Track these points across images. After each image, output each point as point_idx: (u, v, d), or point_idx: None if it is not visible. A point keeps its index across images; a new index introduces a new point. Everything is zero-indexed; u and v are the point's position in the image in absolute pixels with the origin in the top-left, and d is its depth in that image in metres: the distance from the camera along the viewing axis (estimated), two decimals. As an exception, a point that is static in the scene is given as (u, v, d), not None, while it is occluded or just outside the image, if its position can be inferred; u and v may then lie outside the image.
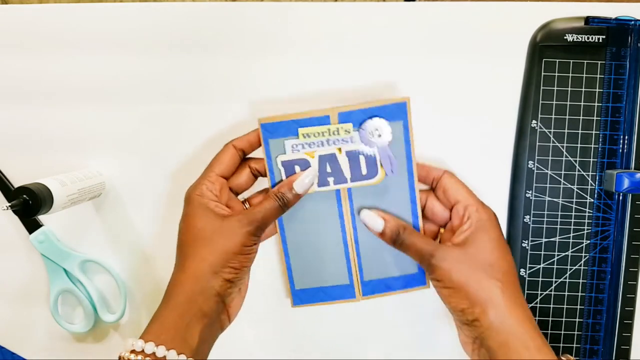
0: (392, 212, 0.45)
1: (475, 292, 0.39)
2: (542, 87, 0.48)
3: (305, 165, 0.43)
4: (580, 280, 0.49)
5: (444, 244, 0.41)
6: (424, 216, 0.45)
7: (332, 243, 0.46)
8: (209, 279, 0.39)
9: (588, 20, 0.47)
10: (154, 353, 0.36)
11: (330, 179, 0.44)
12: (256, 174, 0.45)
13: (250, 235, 0.40)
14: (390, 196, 0.45)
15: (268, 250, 0.50)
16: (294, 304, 0.48)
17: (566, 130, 0.48)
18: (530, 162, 0.48)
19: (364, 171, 0.44)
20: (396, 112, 0.43)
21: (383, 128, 0.43)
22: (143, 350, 0.36)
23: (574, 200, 0.48)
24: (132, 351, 0.36)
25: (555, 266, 0.49)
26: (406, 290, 0.47)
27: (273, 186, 0.44)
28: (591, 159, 0.48)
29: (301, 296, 0.47)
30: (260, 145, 0.44)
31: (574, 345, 0.50)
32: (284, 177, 0.44)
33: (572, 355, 0.50)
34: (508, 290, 0.39)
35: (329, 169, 0.44)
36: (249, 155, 0.45)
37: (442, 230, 0.45)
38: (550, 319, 0.49)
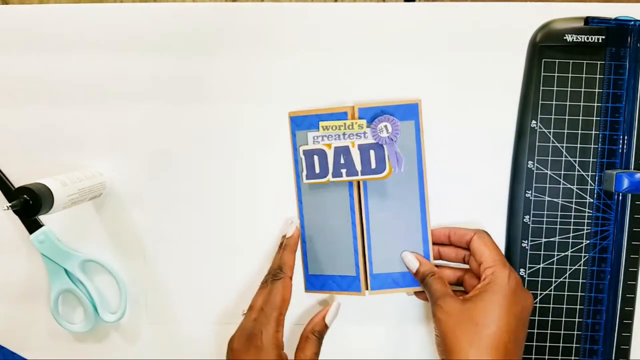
0: (402, 208, 0.48)
1: (451, 345, 0.41)
2: (541, 88, 0.48)
3: (322, 155, 0.47)
4: (580, 280, 0.49)
5: (451, 296, 0.44)
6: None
7: (342, 234, 0.48)
8: None
9: (588, 20, 0.47)
10: None
11: (343, 171, 0.47)
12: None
13: None
14: (401, 193, 0.48)
15: (275, 249, 0.51)
16: (306, 288, 0.50)
17: (566, 131, 0.48)
18: (530, 162, 0.48)
19: (373, 165, 0.46)
20: (408, 112, 0.47)
21: (391, 126, 0.45)
22: None
23: (574, 200, 0.49)
24: None
25: (554, 266, 0.49)
26: (410, 289, 0.49)
27: (297, 174, 0.49)
28: (591, 159, 0.48)
29: (313, 282, 0.50)
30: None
31: (574, 345, 0.50)
32: (304, 166, 0.47)
33: (572, 355, 0.50)
34: (484, 352, 0.40)
35: (342, 161, 0.46)
36: None
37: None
38: (550, 318, 0.49)
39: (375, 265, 0.48)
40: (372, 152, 0.46)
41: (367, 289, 0.49)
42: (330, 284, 0.49)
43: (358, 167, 0.46)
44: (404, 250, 0.48)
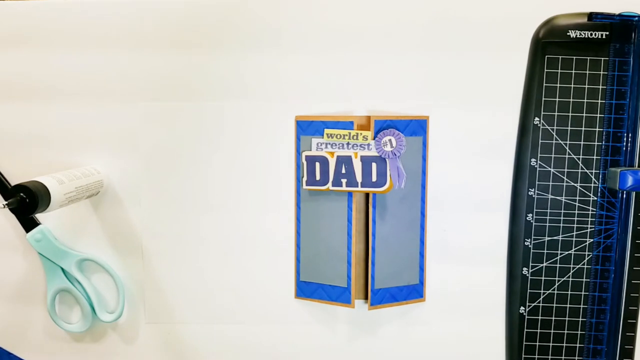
0: (405, 224, 0.48)
1: None
2: (544, 84, 0.47)
3: (324, 162, 0.46)
4: (584, 279, 0.49)
5: None
6: None
7: (337, 244, 0.48)
8: None
9: (591, 16, 0.46)
10: None
11: (344, 181, 0.46)
12: None
13: None
14: (406, 209, 0.48)
15: (272, 251, 0.50)
16: (296, 295, 0.50)
17: (569, 128, 0.48)
18: (533, 159, 0.48)
19: (374, 178, 0.46)
20: (416, 128, 0.47)
21: (396, 140, 0.45)
22: None
23: (577, 198, 0.48)
24: None
25: (558, 265, 0.49)
26: (406, 302, 0.49)
27: (298, 179, 0.48)
28: (594, 157, 0.48)
29: (304, 289, 0.50)
30: None
31: (577, 345, 0.49)
32: (305, 171, 0.47)
33: (575, 355, 0.49)
34: None
35: (343, 171, 0.46)
36: None
37: None
38: (553, 318, 0.49)
39: (377, 281, 0.48)
40: (374, 165, 0.46)
41: (366, 303, 0.49)
42: (320, 293, 0.49)
43: (359, 178, 0.46)
44: (403, 265, 0.48)
